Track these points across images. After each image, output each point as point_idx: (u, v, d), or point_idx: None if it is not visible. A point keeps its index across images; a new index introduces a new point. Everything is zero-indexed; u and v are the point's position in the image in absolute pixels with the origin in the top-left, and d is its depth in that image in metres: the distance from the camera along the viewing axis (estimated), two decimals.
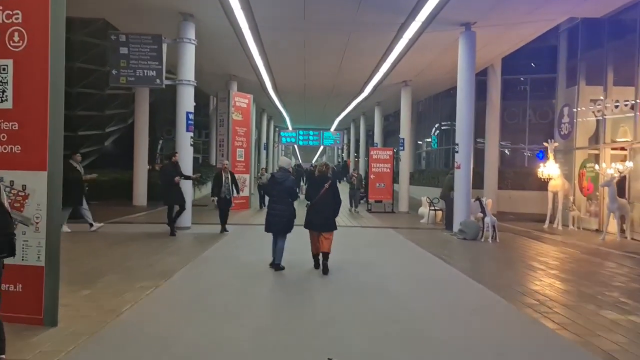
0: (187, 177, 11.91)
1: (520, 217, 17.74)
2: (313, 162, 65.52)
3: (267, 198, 19.46)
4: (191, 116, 12.52)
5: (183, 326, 4.97)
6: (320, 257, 7.77)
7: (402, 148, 20.27)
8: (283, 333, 4.92)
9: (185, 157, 12.55)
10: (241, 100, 19.22)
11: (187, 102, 12.50)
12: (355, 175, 19.03)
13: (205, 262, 8.47)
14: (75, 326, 4.77)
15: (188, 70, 12.50)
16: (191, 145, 12.62)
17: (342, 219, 14.97)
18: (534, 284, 7.36)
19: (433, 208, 15.83)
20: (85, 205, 11.76)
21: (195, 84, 12.63)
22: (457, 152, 12.87)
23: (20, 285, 4.70)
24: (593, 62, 15.75)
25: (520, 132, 29.10)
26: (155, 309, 5.62)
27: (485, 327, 5.29)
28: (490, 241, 11.65)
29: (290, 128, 45.65)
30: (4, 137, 4.76)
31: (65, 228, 11.00)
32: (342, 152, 54.38)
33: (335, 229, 7.88)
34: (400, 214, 19.10)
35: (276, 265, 7.79)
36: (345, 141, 48.44)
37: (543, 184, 20.81)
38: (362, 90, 22.59)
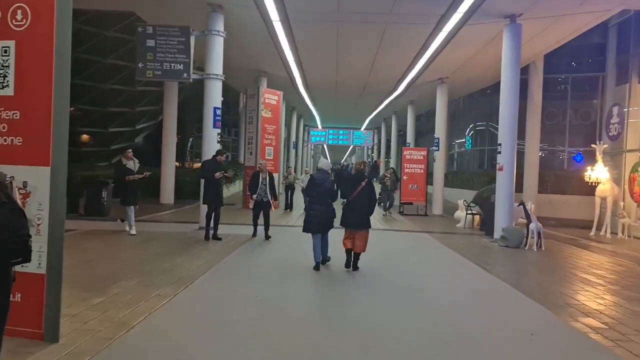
0: (226, 176, 10.91)
1: (561, 223, 16.69)
2: (342, 161, 64.71)
3: (294, 199, 19.30)
4: (219, 112, 12.01)
5: (201, 344, 4.37)
6: (352, 255, 7.89)
7: (436, 148, 19.41)
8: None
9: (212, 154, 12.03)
10: (271, 97, 18.69)
11: (214, 97, 11.99)
12: (388, 175, 17.59)
13: (230, 267, 7.89)
14: (79, 342, 4.21)
15: (216, 64, 11.98)
16: (218, 142, 12.11)
17: (374, 222, 14.28)
18: (595, 302, 6.52)
19: (470, 212, 14.95)
20: (131, 207, 10.84)
21: (223, 78, 12.11)
22: (499, 152, 12.01)
23: (19, 295, 4.16)
24: None
25: (559, 133, 27.85)
26: (170, 322, 5.03)
27: (551, 358, 4.54)
28: (535, 249, 10.77)
29: (320, 127, 45.03)
30: (4, 127, 4.24)
31: (132, 230, 10.66)
32: (372, 152, 53.45)
33: (370, 227, 7.98)
34: (434, 217, 18.27)
35: (317, 264, 7.85)
36: (376, 141, 47.53)
37: (584, 188, 19.66)
38: (395, 88, 21.78)
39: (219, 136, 12.10)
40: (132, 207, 10.79)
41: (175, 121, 19.76)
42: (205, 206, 10.52)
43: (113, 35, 27.08)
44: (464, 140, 33.90)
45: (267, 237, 10.64)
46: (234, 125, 47.02)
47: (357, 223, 7.76)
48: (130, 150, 11.19)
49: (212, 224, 10.35)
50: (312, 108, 31.47)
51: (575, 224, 16.57)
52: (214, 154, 10.73)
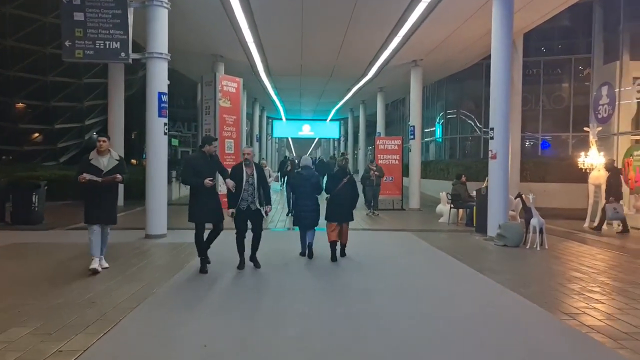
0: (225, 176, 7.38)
1: (545, 213, 15.45)
2: (307, 155, 62.96)
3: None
4: (164, 97, 10.11)
5: None
6: (339, 245, 8.33)
7: (412, 137, 17.95)
8: None
9: (159, 149, 10.16)
10: (229, 84, 16.79)
11: (159, 80, 10.08)
12: (374, 168, 15.24)
13: (175, 294, 6.10)
14: None
15: (160, 40, 10.06)
16: (165, 134, 10.22)
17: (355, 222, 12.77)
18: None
19: (452, 206, 13.52)
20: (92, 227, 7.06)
21: (168, 57, 10.21)
22: (491, 138, 10.55)
23: None
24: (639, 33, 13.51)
25: (533, 120, 26.99)
26: None
27: None
28: (538, 248, 9.38)
29: (284, 119, 43.19)
30: None
31: (94, 264, 6.97)
32: (339, 144, 51.96)
33: (352, 219, 8.45)
34: (412, 211, 16.82)
35: (309, 252, 8.34)
36: (342, 132, 46.03)
37: (564, 176, 18.66)
38: (365, 73, 20.19)
39: (166, 127, 10.21)
40: (94, 226, 6.95)
41: (122, 114, 17.62)
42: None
43: (53, 21, 24.56)
44: (433, 129, 32.76)
45: (256, 264, 7.45)
46: (194, 120, 44.71)
47: (341, 216, 8.19)
48: (104, 139, 6.99)
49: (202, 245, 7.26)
50: (276, 98, 29.64)
51: (559, 213, 15.41)
52: (200, 143, 7.42)
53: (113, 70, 17.47)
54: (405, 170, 18.84)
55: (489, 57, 19.58)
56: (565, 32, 27.86)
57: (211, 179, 6.81)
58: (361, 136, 33.43)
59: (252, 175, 7.20)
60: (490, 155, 10.61)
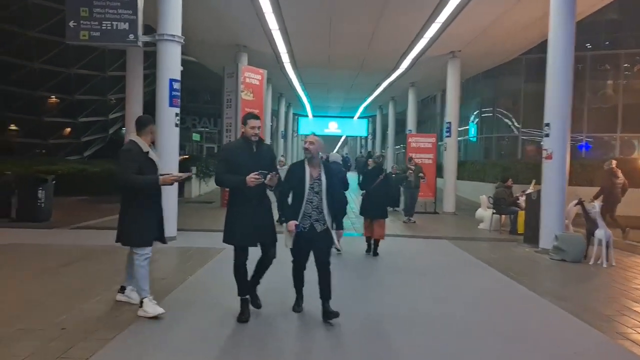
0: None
1: None
2: (334, 152, 61.74)
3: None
4: (176, 85, 9.06)
5: None
6: (373, 241, 8.33)
7: (447, 134, 16.58)
8: None
9: (168, 143, 9.12)
10: (252, 76, 15.77)
11: (170, 65, 9.04)
12: (412, 168, 13.39)
13: (170, 324, 5.01)
14: None
15: (172, 21, 9.01)
16: (176, 125, 9.18)
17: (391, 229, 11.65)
18: None
19: (495, 211, 12.14)
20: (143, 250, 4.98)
21: (182, 41, 9.16)
22: (546, 135, 9.16)
23: None
24: None
25: (576, 119, 25.36)
26: None
27: None
28: (604, 265, 7.99)
29: (310, 116, 42.05)
30: None
31: (147, 308, 4.87)
32: (366, 142, 50.54)
33: (387, 217, 8.49)
34: (446, 215, 15.48)
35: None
36: (370, 130, 44.64)
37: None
38: (397, 66, 18.85)
39: (177, 117, 9.16)
40: (146, 248, 4.92)
41: (140, 108, 16.71)
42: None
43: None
44: (466, 127, 31.16)
45: (330, 315, 4.82)
46: (220, 116, 43.96)
47: (375, 213, 8.30)
48: (152, 123, 5.19)
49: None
50: (302, 93, 28.47)
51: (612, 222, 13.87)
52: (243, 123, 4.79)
53: (131, 61, 16.59)
54: (438, 171, 17.52)
55: (530, 51, 18.29)
56: (614, 25, 26.06)
57: (257, 173, 4.46)
58: (390, 134, 32.03)
59: (320, 179, 4.80)
60: (544, 155, 9.22)
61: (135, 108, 16.49)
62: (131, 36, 9.06)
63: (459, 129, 29.26)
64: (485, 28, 13.73)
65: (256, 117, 4.76)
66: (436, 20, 12.98)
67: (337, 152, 61.28)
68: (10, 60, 24.27)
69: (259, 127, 4.69)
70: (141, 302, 4.79)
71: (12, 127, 28.53)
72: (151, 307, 4.71)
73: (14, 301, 5.17)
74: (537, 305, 5.75)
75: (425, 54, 16.51)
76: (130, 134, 5.42)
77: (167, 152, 9.00)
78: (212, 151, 44.40)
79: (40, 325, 4.42)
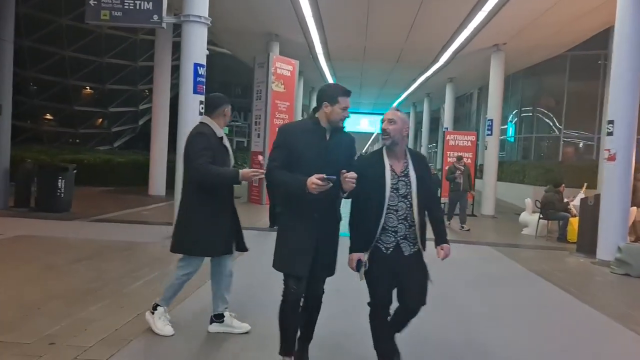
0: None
1: None
2: (363, 151, 60.80)
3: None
4: (201, 70, 8.40)
5: None
6: None
7: (489, 132, 15.57)
8: None
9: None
10: (283, 67, 15.08)
11: (195, 48, 8.37)
12: (462, 168, 11.96)
13: (175, 344, 4.33)
14: None
15: (199, 1, 8.36)
16: (201, 114, 8.51)
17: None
18: None
19: (542, 216, 11.13)
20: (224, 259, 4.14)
21: (209, 22, 8.48)
22: (609, 133, 8.16)
23: None
24: None
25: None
26: None
27: None
28: None
29: None
30: None
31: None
32: None
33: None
34: (485, 219, 14.52)
35: None
36: None
37: None
38: (436, 59, 17.88)
39: (202, 105, 8.49)
40: (228, 256, 4.09)
41: (167, 95, 16.26)
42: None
43: None
44: (504, 127, 29.84)
45: None
46: (250, 110, 43.48)
47: None
48: (227, 103, 4.11)
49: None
50: None
51: None
52: (315, 108, 3.34)
53: (160, 52, 16.16)
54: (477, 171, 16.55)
55: (574, 48, 17.09)
56: None
57: (323, 177, 2.93)
58: (424, 132, 30.99)
59: (407, 174, 3.24)
60: (606, 156, 8.23)
61: (162, 100, 16.09)
62: (155, 17, 8.42)
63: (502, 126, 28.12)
64: (535, 18, 12.69)
65: (348, 92, 3.27)
66: (482, 9, 12.01)
67: (366, 150, 60.22)
68: (41, 47, 24.20)
69: (343, 114, 3.23)
70: (155, 306, 4.04)
71: (48, 116, 28.66)
72: (161, 324, 4.00)
73: (7, 304, 4.56)
74: (612, 331, 4.86)
75: (466, 47, 15.52)
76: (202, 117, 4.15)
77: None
78: (242, 145, 44.07)
79: (28, 337, 3.78)
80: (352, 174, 2.98)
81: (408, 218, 3.17)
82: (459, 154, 13.67)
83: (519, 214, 12.30)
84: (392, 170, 3.21)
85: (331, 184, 2.93)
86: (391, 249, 3.17)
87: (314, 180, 2.91)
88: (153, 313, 4.02)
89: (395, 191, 3.15)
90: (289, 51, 16.13)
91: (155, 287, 5.27)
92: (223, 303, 4.11)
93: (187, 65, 8.32)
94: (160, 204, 13.42)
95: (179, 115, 8.45)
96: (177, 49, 16.22)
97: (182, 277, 3.96)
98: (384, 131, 3.24)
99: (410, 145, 37.29)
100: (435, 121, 35.14)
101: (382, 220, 3.12)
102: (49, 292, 4.96)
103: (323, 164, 3.06)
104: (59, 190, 10.80)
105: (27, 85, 25.46)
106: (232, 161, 4.05)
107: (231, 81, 45.40)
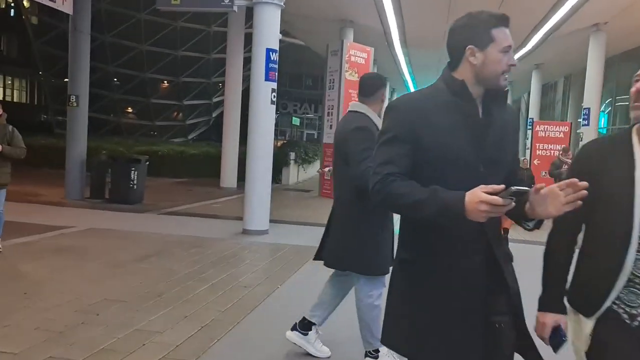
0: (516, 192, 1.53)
1: None
2: None
3: None
4: (274, 56, 7.84)
5: None
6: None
7: (585, 122, 14.07)
8: None
9: (264, 122, 7.93)
10: (358, 54, 14.32)
11: (267, 32, 7.83)
12: (568, 161, 10.46)
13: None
14: None
15: None
16: (272, 102, 7.96)
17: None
18: None
19: None
20: None
21: (282, 4, 7.89)
22: None
23: None
24: None
25: None
26: None
27: None
28: None
29: None
30: None
31: None
32: None
33: None
34: None
35: None
36: None
37: None
38: (524, 43, 16.42)
39: (274, 94, 7.93)
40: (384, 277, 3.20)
41: (239, 84, 15.98)
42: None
43: None
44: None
45: None
46: (321, 102, 43.01)
47: None
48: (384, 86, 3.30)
49: None
50: (408, 77, 26.53)
51: None
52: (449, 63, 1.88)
53: (232, 43, 15.86)
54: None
55: None
56: None
57: (507, 191, 1.43)
58: None
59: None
60: None
61: (234, 91, 15.82)
62: (226, 0, 7.96)
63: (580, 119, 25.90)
64: None
65: (507, 20, 1.75)
66: None
67: None
68: (120, 42, 24.89)
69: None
70: (369, 354, 3.26)
71: (129, 109, 29.67)
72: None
73: (65, 309, 4.17)
74: None
75: (562, 27, 14.02)
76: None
77: (261, 131, 7.84)
78: (312, 137, 43.81)
79: (80, 352, 3.32)
80: (577, 183, 1.47)
81: None
82: (563, 145, 12.29)
83: None
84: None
85: (514, 204, 1.49)
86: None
87: (484, 197, 1.45)
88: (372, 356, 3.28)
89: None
90: (363, 39, 15.31)
91: (221, 293, 4.74)
92: (321, 316, 3.46)
93: (259, 51, 7.79)
94: (231, 196, 13.14)
95: (250, 104, 7.95)
96: (249, 40, 15.90)
97: (375, 304, 3.15)
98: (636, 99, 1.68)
99: None
100: (518, 111, 33.01)
101: (629, 262, 1.58)
102: (111, 295, 4.55)
103: (483, 164, 1.67)
104: (131, 182, 10.69)
105: (109, 80, 26.37)
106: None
107: (302, 73, 45.26)
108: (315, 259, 3.45)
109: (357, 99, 3.27)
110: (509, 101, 1.95)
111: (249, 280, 5.32)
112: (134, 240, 7.06)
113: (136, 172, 10.73)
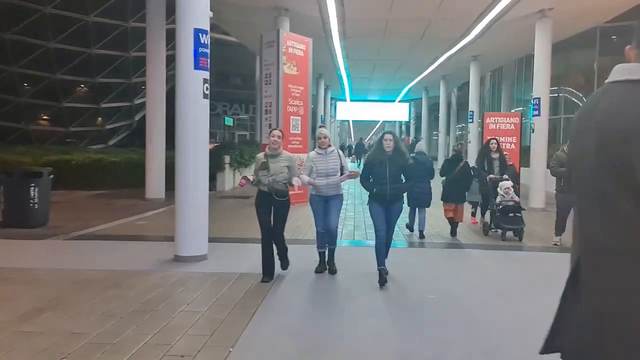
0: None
1: None
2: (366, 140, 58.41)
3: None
4: (204, 38, 6.29)
5: None
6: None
7: (536, 113, 13.48)
8: None
9: (195, 120, 6.36)
10: (296, 45, 13.00)
11: (195, 9, 6.27)
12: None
13: None
14: None
15: None
16: (205, 96, 6.40)
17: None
18: None
19: None
20: None
21: None
22: None
23: None
24: None
25: None
26: None
27: None
28: None
29: (348, 100, 39.09)
30: None
31: None
32: (407, 128, 47.28)
33: (465, 201, 8.92)
34: (534, 212, 12.36)
35: (420, 232, 8.38)
36: (413, 114, 41.40)
37: None
38: (467, 32, 15.71)
39: (207, 85, 6.37)
40: None
41: (163, 83, 14.16)
42: None
43: None
44: (523, 108, 27.80)
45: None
46: (252, 102, 41.11)
47: (458, 198, 8.53)
48: None
49: None
50: (344, 72, 25.42)
51: None
52: None
53: (152, 40, 13.97)
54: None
55: (614, 19, 15.05)
56: None
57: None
58: (441, 117, 28.84)
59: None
60: None
61: (157, 91, 13.96)
62: None
63: (514, 109, 25.98)
64: None
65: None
66: None
67: (369, 139, 57.86)
68: (23, 39, 22.11)
69: None
70: None
71: (42, 115, 26.66)
72: None
73: None
74: None
75: (508, 13, 13.34)
76: None
77: (193, 132, 6.28)
78: (244, 138, 41.86)
79: None
80: None
81: None
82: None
83: None
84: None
85: None
86: None
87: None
88: None
89: None
90: (301, 27, 13.98)
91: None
92: None
93: (185, 32, 6.22)
94: (159, 209, 11.40)
95: (177, 100, 6.36)
96: (171, 37, 14.12)
97: None
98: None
99: (423, 132, 35.04)
100: (446, 106, 32.99)
101: None
102: None
103: None
104: (31, 200, 8.73)
105: (13, 83, 23.40)
106: None
107: (230, 71, 43.22)
108: (543, 351, 1.54)
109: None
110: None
111: (185, 344, 3.77)
112: (26, 282, 5.29)
113: (36, 189, 8.77)
